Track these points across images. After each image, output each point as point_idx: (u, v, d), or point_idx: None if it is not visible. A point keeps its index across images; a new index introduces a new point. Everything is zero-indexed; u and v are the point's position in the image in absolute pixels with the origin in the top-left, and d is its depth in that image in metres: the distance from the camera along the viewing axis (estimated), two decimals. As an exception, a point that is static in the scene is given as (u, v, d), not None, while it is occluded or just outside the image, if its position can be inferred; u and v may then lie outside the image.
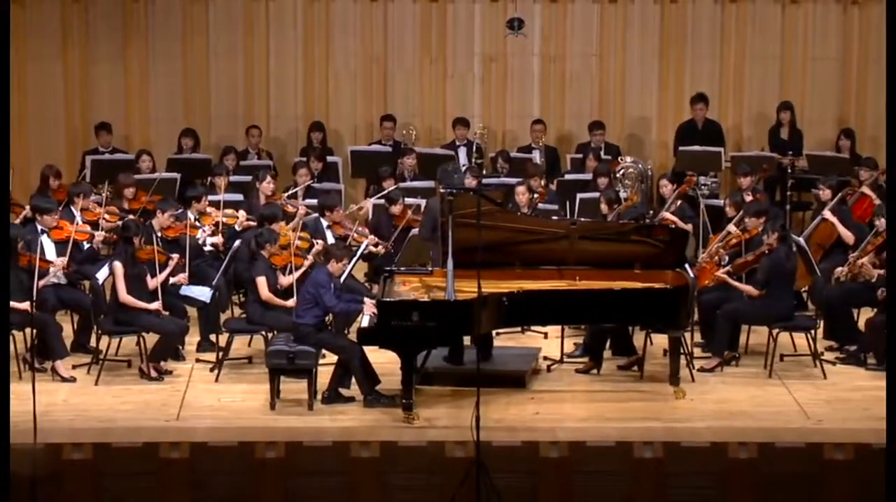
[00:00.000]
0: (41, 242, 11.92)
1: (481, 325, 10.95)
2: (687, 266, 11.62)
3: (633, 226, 12.13)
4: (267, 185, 13.58)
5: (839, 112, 16.07)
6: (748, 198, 13.10)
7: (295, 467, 10.48)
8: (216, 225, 12.85)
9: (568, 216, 13.54)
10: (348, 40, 16.16)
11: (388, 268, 11.83)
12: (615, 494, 10.34)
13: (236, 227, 12.90)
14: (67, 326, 12.22)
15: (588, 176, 14.41)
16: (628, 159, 14.77)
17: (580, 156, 15.26)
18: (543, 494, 10.36)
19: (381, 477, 10.45)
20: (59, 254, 12.05)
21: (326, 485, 10.34)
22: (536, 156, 15.21)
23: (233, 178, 14.10)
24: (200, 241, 12.62)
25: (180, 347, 12.07)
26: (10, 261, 11.08)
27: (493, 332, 11.71)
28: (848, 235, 12.78)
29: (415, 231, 12.93)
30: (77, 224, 12.45)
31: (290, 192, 13.84)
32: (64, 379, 11.58)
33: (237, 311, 12.74)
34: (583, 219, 12.93)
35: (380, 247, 12.88)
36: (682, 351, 11.41)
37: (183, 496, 10.28)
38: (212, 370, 11.79)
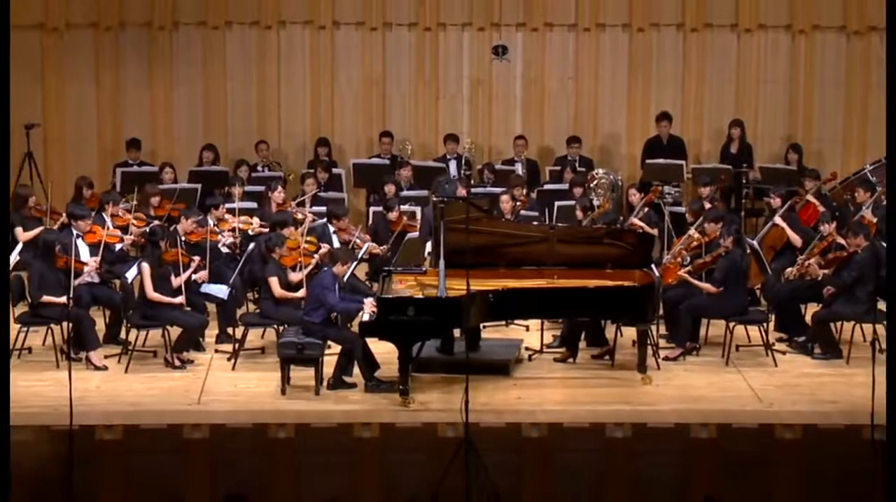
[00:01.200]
0: (76, 245, 11.92)
1: (470, 319, 10.99)
2: (653, 266, 11.64)
3: (605, 230, 12.17)
4: (278, 195, 13.60)
5: (788, 129, 16.09)
6: (707, 205, 13.12)
7: (303, 446, 10.49)
8: (233, 230, 12.85)
9: (547, 222, 13.55)
10: (351, 65, 16.16)
11: (387, 268, 11.84)
12: (589, 470, 10.34)
13: (250, 232, 12.90)
14: (100, 320, 12.21)
15: (565, 186, 14.43)
16: (601, 171, 14.78)
17: (558, 168, 15.29)
18: (526, 470, 10.36)
19: (380, 454, 10.46)
20: (93, 255, 12.06)
21: (331, 462, 10.33)
22: (519, 169, 15.23)
23: (247, 188, 14.12)
24: (219, 245, 12.62)
25: (201, 339, 12.07)
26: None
27: (481, 325, 11.69)
28: (796, 238, 12.81)
29: (411, 235, 12.94)
30: (108, 229, 12.48)
31: (298, 200, 13.86)
32: (97, 368, 11.58)
33: (251, 307, 12.72)
34: (560, 225, 12.92)
35: (378, 250, 12.90)
36: (648, 342, 11.45)
37: (203, 471, 10.27)
38: (229, 359, 11.79)
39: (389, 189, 13.95)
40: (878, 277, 11.79)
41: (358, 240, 12.84)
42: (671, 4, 15.93)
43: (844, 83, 16.01)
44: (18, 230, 12.93)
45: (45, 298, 11.53)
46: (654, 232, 12.72)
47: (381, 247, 12.94)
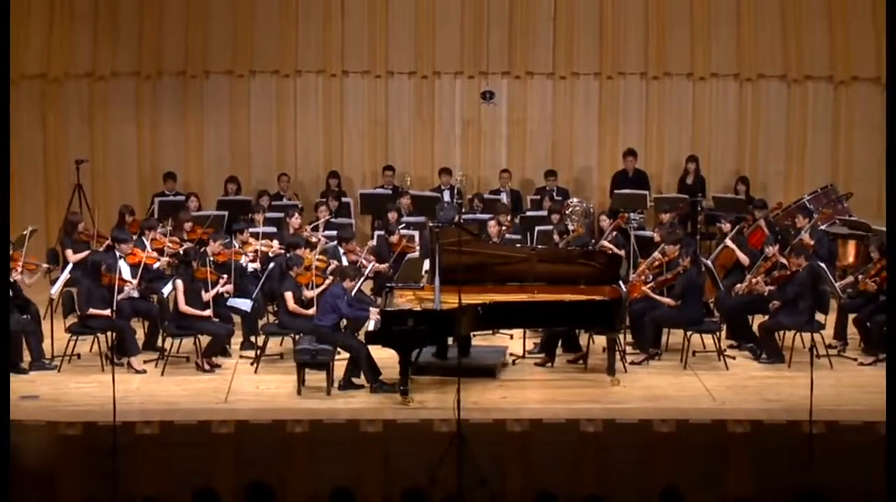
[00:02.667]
0: (119, 265, 11.92)
1: (461, 329, 11.00)
2: (620, 282, 11.65)
3: (578, 251, 12.19)
4: (294, 221, 13.58)
5: (736, 163, 16.09)
6: (669, 230, 13.13)
7: (316, 439, 10.48)
8: (255, 251, 12.84)
9: (528, 244, 13.54)
10: (358, 108, 16.16)
11: (389, 285, 11.85)
12: (565, 460, 10.33)
13: (270, 254, 12.88)
14: (140, 330, 12.21)
15: (544, 213, 14.40)
16: (575, 200, 14.75)
17: (538, 197, 15.26)
18: (509, 460, 10.35)
19: (383, 446, 10.46)
20: (133, 274, 12.05)
21: (341, 453, 10.32)
22: (504, 198, 15.21)
23: (268, 215, 14.09)
24: (243, 264, 12.61)
25: (227, 346, 12.07)
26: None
27: (471, 334, 11.68)
28: (745, 258, 12.82)
29: (410, 255, 12.93)
30: (147, 251, 12.45)
31: (312, 225, 13.85)
32: (137, 371, 11.57)
33: (272, 318, 12.71)
34: (540, 247, 12.94)
35: (382, 268, 12.89)
36: (616, 348, 11.42)
37: (229, 461, 10.26)
38: (252, 364, 11.77)
39: (391, 215, 13.93)
40: (815, 292, 11.83)
41: (364, 261, 12.84)
42: (635, 55, 15.96)
43: (785, 124, 16.03)
44: (69, 252, 12.92)
45: (92, 311, 11.54)
46: (622, 253, 12.73)
47: (384, 266, 12.93)
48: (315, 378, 11.08)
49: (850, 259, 13.36)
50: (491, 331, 12.33)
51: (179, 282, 11.58)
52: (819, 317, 11.95)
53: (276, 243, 13.05)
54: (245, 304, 12.14)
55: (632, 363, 11.79)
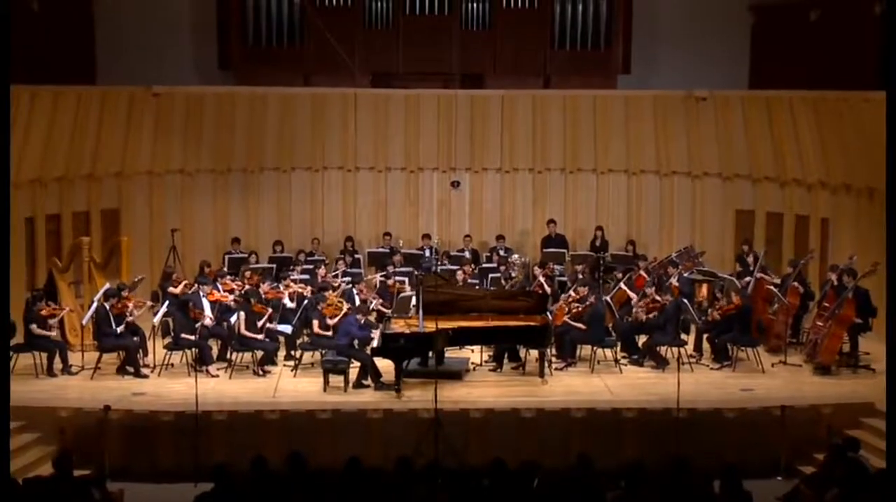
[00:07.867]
0: (202, 303, 11.94)
1: (438, 345, 11.03)
2: (548, 313, 11.73)
3: (519, 292, 12.26)
4: (322, 271, 13.60)
5: (627, 231, 16.22)
6: (580, 276, 13.23)
7: (337, 422, 10.48)
8: (294, 292, 12.85)
9: (484, 287, 13.62)
10: (366, 192, 16.19)
11: (387, 315, 11.88)
12: (511, 436, 10.38)
13: (305, 294, 12.90)
14: (214, 347, 12.17)
15: (495, 265, 14.48)
16: (516, 256, 14.75)
17: (490, 254, 15.32)
18: (472, 437, 10.38)
19: (383, 428, 10.46)
20: (210, 308, 12.06)
21: (353, 432, 10.33)
22: (467, 254, 15.25)
23: (304, 267, 14.13)
24: (286, 301, 12.64)
25: (275, 358, 12.04)
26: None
27: (444, 349, 11.71)
28: (633, 296, 12.91)
29: (402, 294, 12.97)
30: (219, 292, 12.48)
31: (333, 274, 13.88)
32: (212, 376, 11.55)
33: (306, 339, 12.69)
34: (492, 289, 13.02)
35: (383, 304, 12.93)
36: (545, 358, 11.45)
37: (276, 439, 10.26)
38: (292, 370, 11.77)
39: (389, 267, 14.01)
40: (678, 319, 11.96)
41: (371, 298, 12.87)
42: (557, 156, 16.07)
43: (659, 204, 16.19)
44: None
45: (183, 336, 11.56)
46: (549, 291, 12.82)
47: (384, 303, 12.94)
48: (336, 380, 11.09)
49: (704, 296, 13.53)
50: (458, 347, 12.34)
51: (242, 314, 11.62)
52: (683, 336, 12.08)
53: (309, 287, 13.09)
54: (287, 329, 12.16)
55: (556, 369, 11.83)
